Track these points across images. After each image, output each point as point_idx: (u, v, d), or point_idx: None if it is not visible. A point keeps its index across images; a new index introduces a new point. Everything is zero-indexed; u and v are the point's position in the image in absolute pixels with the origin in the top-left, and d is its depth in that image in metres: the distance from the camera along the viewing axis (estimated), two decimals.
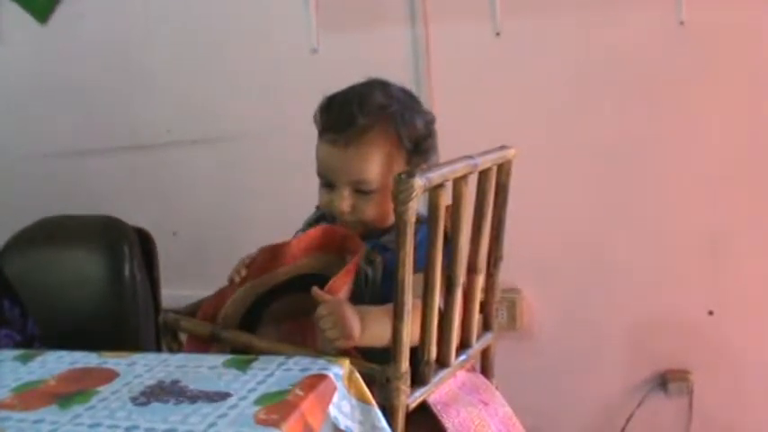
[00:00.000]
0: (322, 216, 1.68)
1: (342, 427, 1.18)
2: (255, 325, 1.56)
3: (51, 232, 2.17)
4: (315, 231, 1.53)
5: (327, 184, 1.58)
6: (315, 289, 1.37)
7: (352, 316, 1.35)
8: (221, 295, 1.56)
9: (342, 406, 1.18)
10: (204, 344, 1.53)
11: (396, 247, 1.29)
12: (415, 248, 1.31)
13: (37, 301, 1.94)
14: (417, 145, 1.58)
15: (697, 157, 2.36)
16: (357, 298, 1.53)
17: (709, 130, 2.34)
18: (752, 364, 2.42)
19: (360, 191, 1.55)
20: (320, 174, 1.59)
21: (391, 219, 1.56)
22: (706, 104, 2.33)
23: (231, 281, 1.55)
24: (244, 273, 1.54)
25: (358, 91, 1.59)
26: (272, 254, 1.53)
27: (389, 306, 1.38)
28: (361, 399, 1.23)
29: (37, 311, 1.91)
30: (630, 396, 2.50)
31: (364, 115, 1.53)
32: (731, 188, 2.35)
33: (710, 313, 2.42)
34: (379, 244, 1.57)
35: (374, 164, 1.53)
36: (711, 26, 2.29)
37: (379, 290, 1.54)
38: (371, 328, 1.38)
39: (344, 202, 1.55)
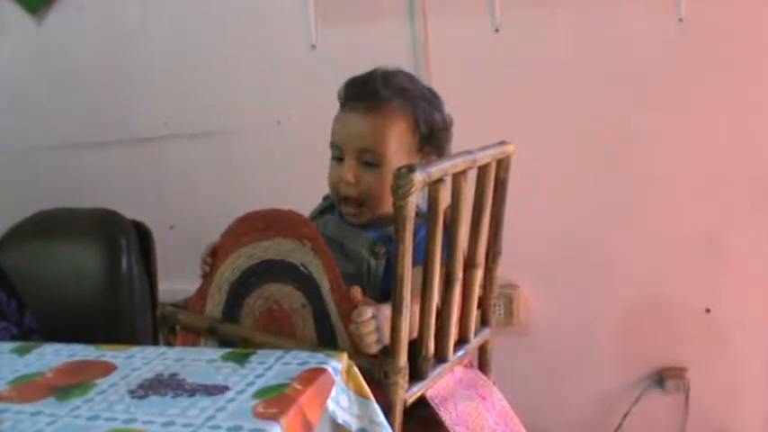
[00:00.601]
0: (329, 207, 1.69)
1: (340, 420, 1.18)
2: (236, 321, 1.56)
3: (48, 225, 2.17)
4: (269, 212, 1.53)
5: (337, 156, 1.62)
6: (356, 289, 1.38)
7: (387, 321, 1.36)
8: (203, 293, 1.57)
9: (340, 400, 1.18)
10: (196, 337, 1.54)
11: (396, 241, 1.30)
12: (416, 246, 1.31)
13: (34, 294, 1.94)
14: (432, 133, 1.62)
15: (695, 154, 2.36)
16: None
17: (707, 128, 2.34)
18: (748, 361, 2.42)
19: (367, 163, 1.58)
20: (332, 144, 1.63)
21: None
22: (705, 101, 2.33)
23: (204, 274, 1.57)
24: (210, 261, 1.57)
25: (384, 70, 1.65)
26: (235, 236, 1.56)
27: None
28: (360, 393, 1.23)
29: (34, 304, 1.91)
30: (627, 393, 2.51)
31: (387, 88, 1.59)
32: (729, 186, 2.35)
33: (708, 311, 2.42)
34: (384, 234, 1.57)
35: (387, 136, 1.57)
36: (711, 23, 2.29)
37: (380, 281, 1.55)
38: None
39: (351, 171, 1.59)
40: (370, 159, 1.58)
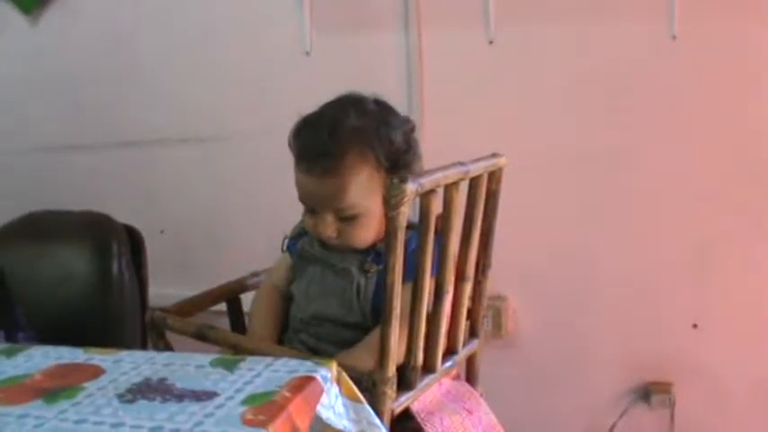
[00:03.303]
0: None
1: (339, 427, 1.19)
2: None
3: (38, 227, 2.16)
4: None
5: (310, 210, 1.57)
6: None
7: None
8: None
9: (336, 406, 1.18)
10: None
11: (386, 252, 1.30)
12: (407, 258, 1.31)
13: (23, 296, 1.93)
14: (396, 162, 1.54)
15: (685, 170, 2.37)
16: (349, 307, 1.53)
17: (698, 144, 2.35)
18: (734, 378, 2.43)
19: (343, 217, 1.53)
20: (301, 200, 1.57)
21: (383, 232, 1.57)
22: (696, 118, 2.34)
23: None
24: None
25: (330, 115, 1.56)
26: None
27: (367, 339, 1.45)
28: (353, 398, 1.23)
29: (23, 306, 1.91)
30: (613, 407, 2.51)
31: (337, 142, 1.49)
32: (719, 202, 2.36)
33: (695, 326, 2.43)
34: (373, 251, 1.56)
35: (353, 190, 1.50)
36: (704, 41, 2.30)
37: (371, 298, 1.54)
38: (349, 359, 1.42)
39: (329, 227, 1.53)
40: (346, 215, 1.52)
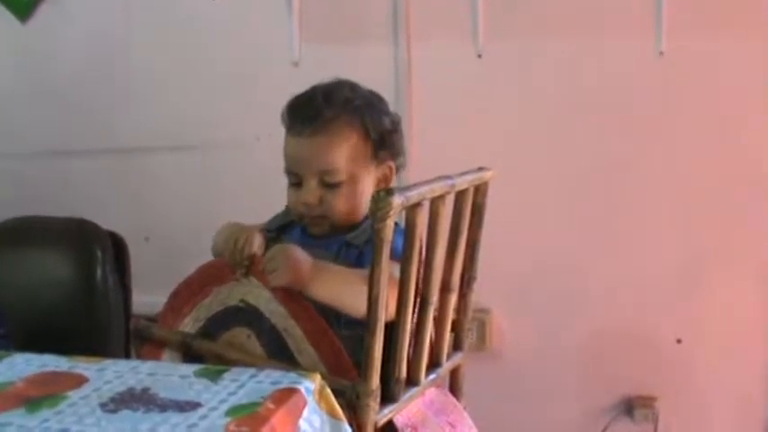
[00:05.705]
0: (287, 224, 1.66)
1: None
2: None
3: (21, 233, 2.14)
4: (199, 271, 1.61)
5: (295, 182, 1.59)
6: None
7: (302, 260, 1.41)
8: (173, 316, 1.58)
9: (312, 420, 1.18)
10: (158, 349, 1.54)
11: (373, 250, 1.29)
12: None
13: (5, 302, 1.92)
14: (383, 138, 1.61)
15: (671, 185, 2.39)
16: None
17: (684, 160, 2.37)
18: (717, 392, 2.44)
19: (327, 184, 1.56)
20: (288, 170, 1.60)
21: (360, 214, 1.59)
22: (683, 134, 2.36)
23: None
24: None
25: (324, 86, 1.63)
26: (175, 311, 1.58)
27: (356, 271, 1.45)
28: (332, 414, 1.22)
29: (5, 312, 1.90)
30: (596, 421, 2.51)
31: (329, 106, 1.57)
32: (705, 218, 2.38)
33: (679, 341, 2.44)
34: (343, 242, 1.57)
35: (340, 153, 1.56)
36: (691, 57, 2.32)
37: None
38: (324, 279, 1.42)
39: (312, 193, 1.56)
40: (330, 180, 1.56)
